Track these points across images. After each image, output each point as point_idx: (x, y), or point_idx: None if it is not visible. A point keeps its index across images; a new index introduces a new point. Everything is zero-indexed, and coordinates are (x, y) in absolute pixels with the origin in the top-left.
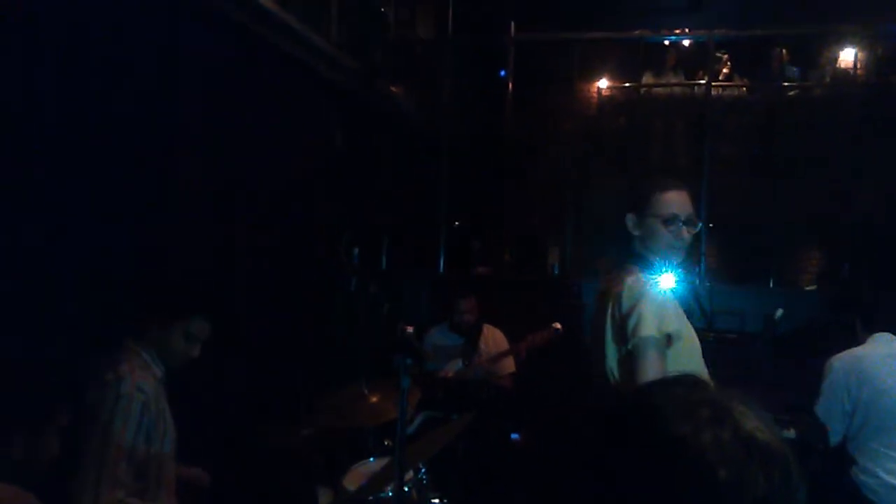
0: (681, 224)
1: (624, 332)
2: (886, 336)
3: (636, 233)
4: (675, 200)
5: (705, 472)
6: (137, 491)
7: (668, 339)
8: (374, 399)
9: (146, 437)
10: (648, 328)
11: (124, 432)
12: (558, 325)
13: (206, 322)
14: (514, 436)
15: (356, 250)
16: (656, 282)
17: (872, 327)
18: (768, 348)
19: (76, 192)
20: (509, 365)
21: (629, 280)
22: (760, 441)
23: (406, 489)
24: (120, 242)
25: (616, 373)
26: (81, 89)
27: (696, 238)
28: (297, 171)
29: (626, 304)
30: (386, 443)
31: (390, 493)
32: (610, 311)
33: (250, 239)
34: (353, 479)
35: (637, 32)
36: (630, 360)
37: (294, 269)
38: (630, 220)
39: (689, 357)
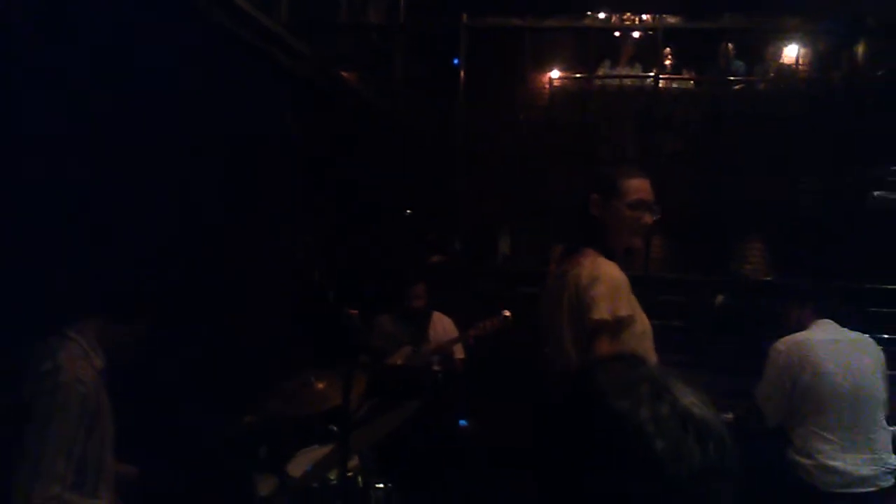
0: (645, 210)
1: (579, 314)
2: (829, 322)
3: (598, 214)
4: (641, 187)
5: (644, 446)
6: (76, 485)
7: (622, 323)
8: (321, 385)
9: (86, 430)
10: (602, 311)
11: (63, 425)
12: (507, 313)
13: (152, 323)
14: (463, 422)
15: (305, 239)
16: (611, 265)
17: (816, 314)
18: (710, 334)
19: (17, 180)
20: (458, 352)
21: (585, 263)
22: (697, 416)
23: (351, 475)
24: (63, 233)
25: (572, 354)
26: (22, 77)
27: None
28: (246, 160)
29: (581, 286)
30: (332, 428)
31: (335, 480)
32: (566, 294)
33: (197, 228)
34: (298, 465)
35: (586, 21)
36: (585, 342)
37: (239, 257)
38: (594, 201)
39: (640, 341)
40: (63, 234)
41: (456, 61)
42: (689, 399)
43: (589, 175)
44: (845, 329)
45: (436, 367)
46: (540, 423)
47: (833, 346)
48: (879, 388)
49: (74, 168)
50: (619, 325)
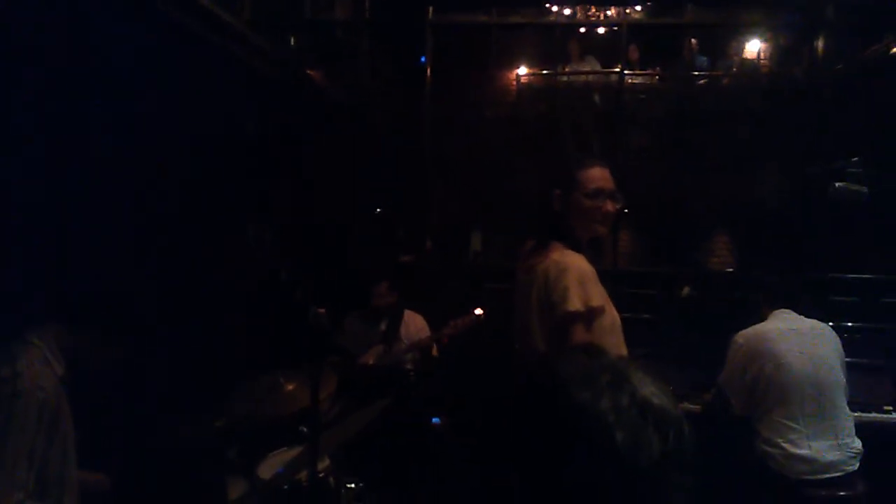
0: (604, 198)
1: (549, 307)
2: (787, 312)
3: (561, 209)
4: (599, 176)
5: (604, 436)
6: (37, 493)
7: (594, 313)
8: (290, 386)
9: (47, 438)
10: (575, 302)
11: (22, 432)
12: (480, 311)
13: (115, 329)
14: (435, 420)
15: (268, 238)
16: (578, 257)
17: (774, 305)
18: (677, 326)
19: None
20: (431, 351)
21: (553, 255)
22: (656, 405)
23: (322, 475)
24: (25, 238)
25: (541, 348)
26: None
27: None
28: (210, 159)
29: (550, 279)
30: (302, 429)
31: (306, 481)
32: (534, 288)
33: (161, 229)
34: (269, 467)
35: (552, 17)
36: (556, 334)
37: (205, 258)
38: (556, 196)
39: (609, 333)
40: (25, 238)
41: (422, 58)
42: (649, 389)
43: (550, 171)
44: (802, 317)
45: (408, 366)
46: (511, 418)
47: (792, 336)
48: (839, 375)
49: (36, 172)
50: (592, 315)
